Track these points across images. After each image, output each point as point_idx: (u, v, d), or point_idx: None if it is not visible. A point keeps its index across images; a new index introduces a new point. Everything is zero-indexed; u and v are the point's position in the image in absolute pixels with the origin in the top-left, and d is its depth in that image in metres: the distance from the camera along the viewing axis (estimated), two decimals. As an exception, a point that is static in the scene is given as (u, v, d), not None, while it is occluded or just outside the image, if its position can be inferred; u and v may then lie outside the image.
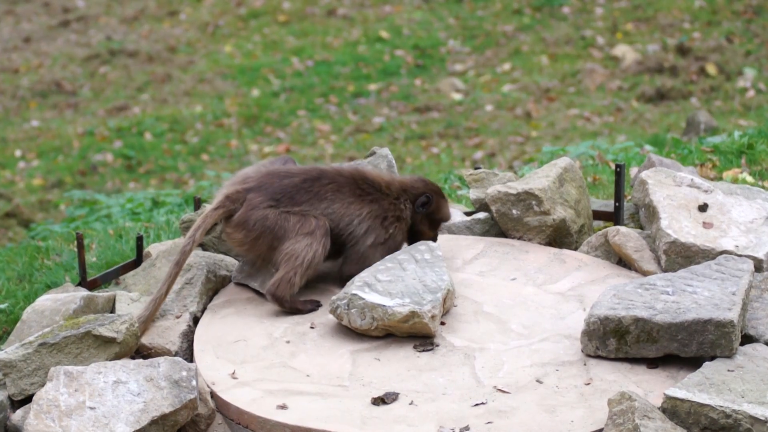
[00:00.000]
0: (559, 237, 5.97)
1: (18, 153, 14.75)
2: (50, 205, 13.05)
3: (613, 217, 6.24)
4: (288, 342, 5.19)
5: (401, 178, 5.77)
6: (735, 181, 6.97)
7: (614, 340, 4.84)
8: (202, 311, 5.52)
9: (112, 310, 5.63)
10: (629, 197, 6.53)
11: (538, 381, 4.81)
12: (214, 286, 5.65)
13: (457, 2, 18.49)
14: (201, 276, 5.60)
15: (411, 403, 4.67)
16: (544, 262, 5.81)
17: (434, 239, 5.81)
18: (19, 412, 4.87)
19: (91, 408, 4.57)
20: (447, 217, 5.86)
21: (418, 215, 5.72)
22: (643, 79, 15.00)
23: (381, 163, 6.17)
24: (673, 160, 6.90)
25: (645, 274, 5.57)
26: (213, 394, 4.82)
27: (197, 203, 6.40)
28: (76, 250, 6.80)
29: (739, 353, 4.75)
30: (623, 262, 5.78)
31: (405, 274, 5.31)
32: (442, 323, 5.26)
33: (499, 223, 6.04)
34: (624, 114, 14.17)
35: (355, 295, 5.14)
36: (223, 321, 5.37)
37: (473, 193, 6.27)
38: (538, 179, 5.99)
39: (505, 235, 6.07)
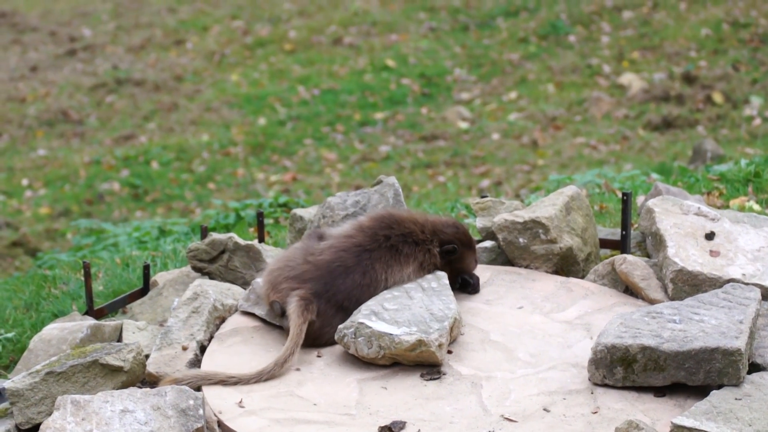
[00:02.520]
0: (566, 265, 5.96)
1: (25, 182, 14.79)
2: (57, 234, 13.07)
3: (620, 246, 6.23)
4: (295, 370, 5.18)
5: (434, 220, 5.72)
6: (742, 209, 6.97)
7: (621, 368, 4.83)
8: (209, 340, 5.51)
9: (119, 339, 5.63)
10: (636, 225, 6.52)
11: (545, 410, 4.80)
12: (221, 314, 5.65)
13: (463, 31, 18.55)
14: (208, 305, 5.59)
15: (418, 432, 4.66)
16: (551, 290, 5.80)
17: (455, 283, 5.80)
18: (26, 441, 4.88)
19: (98, 437, 4.56)
20: (469, 269, 5.77)
21: (443, 260, 5.68)
22: (650, 108, 15.02)
23: (388, 191, 6.18)
24: (679, 188, 6.91)
25: (652, 302, 5.56)
26: (220, 423, 4.81)
27: (204, 232, 6.41)
28: (83, 278, 6.81)
29: (747, 382, 4.73)
30: (630, 290, 5.77)
31: (412, 303, 5.30)
32: (449, 352, 5.25)
33: (506, 251, 6.04)
34: (630, 142, 14.18)
35: (362, 323, 5.13)
36: (230, 349, 5.37)
37: (480, 222, 6.27)
38: (545, 208, 5.99)
39: (512, 263, 6.07)
